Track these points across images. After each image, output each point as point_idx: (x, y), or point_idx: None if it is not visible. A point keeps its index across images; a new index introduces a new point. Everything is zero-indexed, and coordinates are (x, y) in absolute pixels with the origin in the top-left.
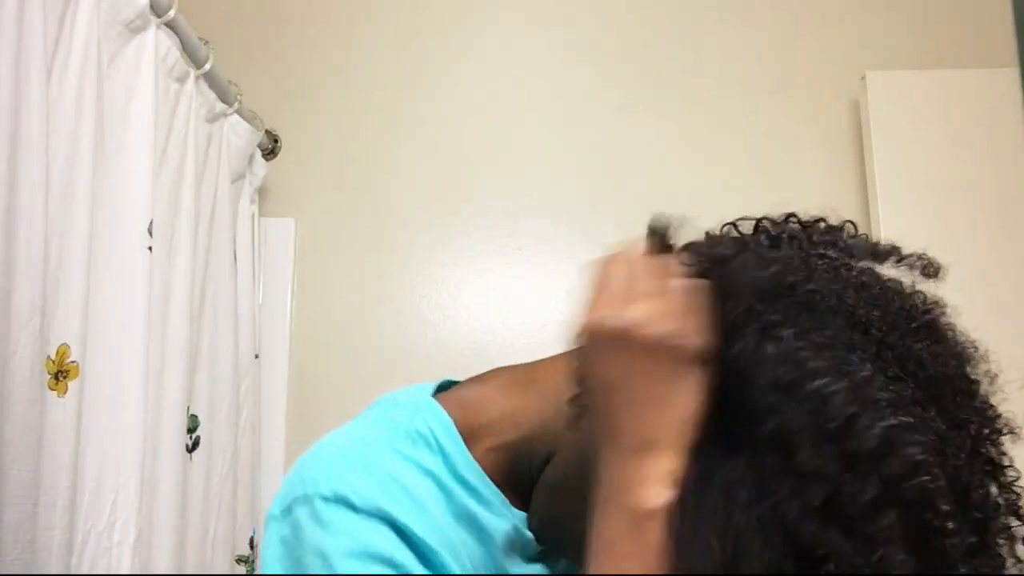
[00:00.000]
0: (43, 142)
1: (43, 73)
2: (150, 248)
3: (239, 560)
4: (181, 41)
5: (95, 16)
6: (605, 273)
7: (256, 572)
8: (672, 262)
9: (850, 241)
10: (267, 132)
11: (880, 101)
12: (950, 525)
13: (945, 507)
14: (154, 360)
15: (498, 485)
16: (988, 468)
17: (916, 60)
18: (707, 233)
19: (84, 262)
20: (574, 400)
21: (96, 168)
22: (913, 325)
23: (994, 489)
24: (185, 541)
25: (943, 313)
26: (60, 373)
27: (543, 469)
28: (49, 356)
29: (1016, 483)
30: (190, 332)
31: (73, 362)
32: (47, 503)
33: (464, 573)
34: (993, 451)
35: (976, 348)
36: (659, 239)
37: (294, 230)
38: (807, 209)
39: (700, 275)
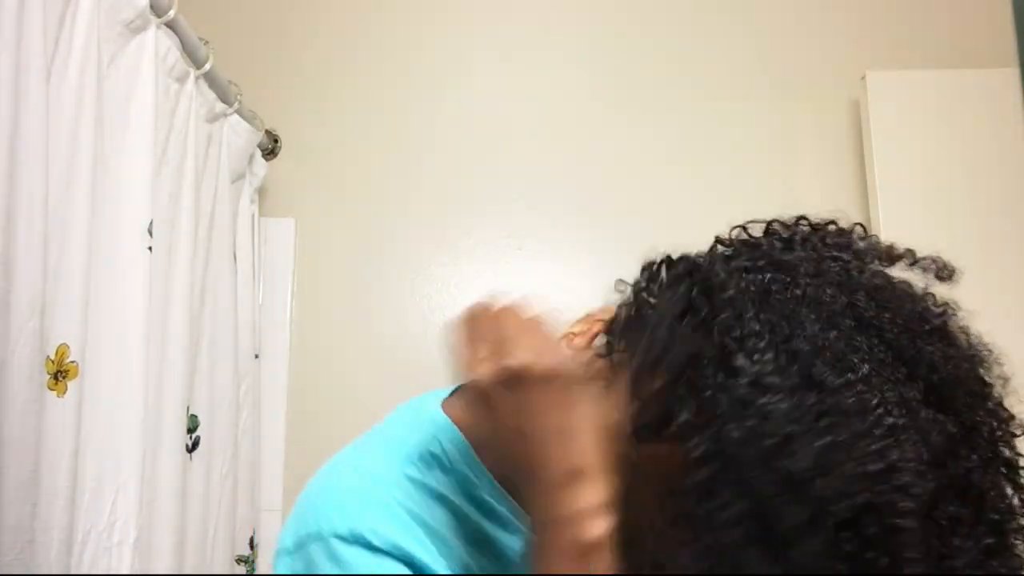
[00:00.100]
0: (43, 142)
1: (43, 73)
2: (150, 248)
3: (239, 560)
4: (181, 41)
5: (95, 16)
6: (473, 328)
7: (256, 572)
8: (526, 302)
9: (862, 244)
10: (267, 132)
11: (880, 101)
12: (910, 540)
13: (903, 522)
14: (154, 360)
15: (511, 491)
16: (1004, 470)
17: (916, 60)
18: (717, 237)
19: (84, 262)
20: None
21: (96, 168)
22: (926, 328)
23: (1010, 490)
24: (185, 541)
25: (956, 316)
26: (59, 373)
27: None
28: (48, 356)
29: None
30: (190, 332)
31: (72, 362)
32: (47, 503)
33: None
34: (1008, 453)
35: (990, 351)
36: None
37: (294, 230)
38: (807, 209)
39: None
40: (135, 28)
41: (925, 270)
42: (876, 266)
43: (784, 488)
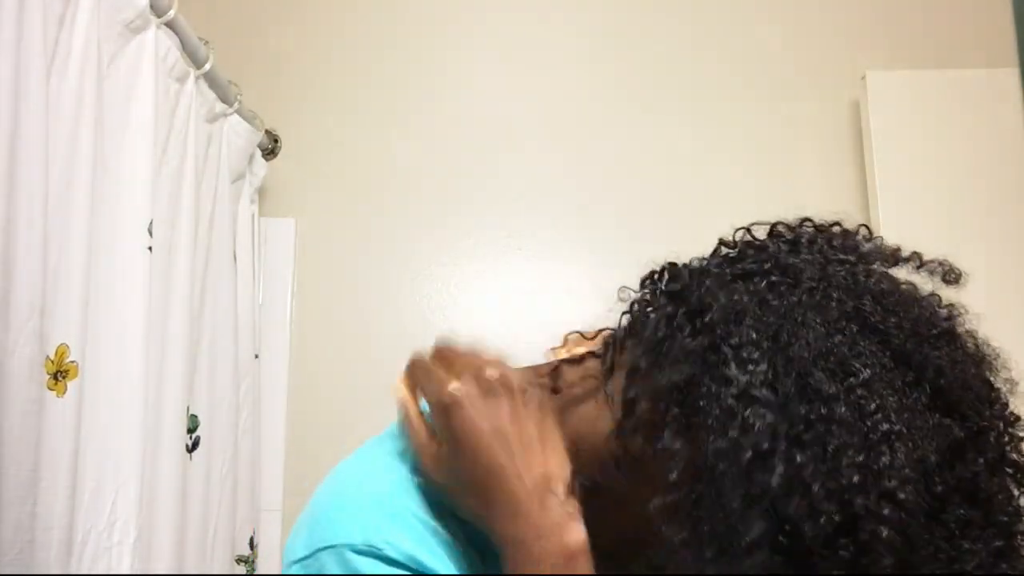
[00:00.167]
0: (43, 142)
1: (43, 73)
2: (150, 248)
3: (239, 560)
4: (181, 41)
5: (95, 16)
6: (440, 355)
7: (256, 572)
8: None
9: (868, 246)
10: (267, 132)
11: (880, 101)
12: (898, 545)
13: (885, 530)
14: (154, 360)
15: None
16: (1011, 472)
17: (916, 60)
18: (720, 239)
19: (83, 262)
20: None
21: (96, 168)
22: (933, 332)
23: (1017, 492)
24: (185, 541)
25: (962, 319)
26: (59, 373)
27: None
28: (48, 356)
29: None
30: (190, 332)
31: (72, 362)
32: (47, 503)
33: None
34: (1015, 456)
35: (997, 355)
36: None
37: (294, 230)
38: (807, 209)
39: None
40: (135, 28)
41: (932, 273)
42: (882, 269)
43: (756, 503)
